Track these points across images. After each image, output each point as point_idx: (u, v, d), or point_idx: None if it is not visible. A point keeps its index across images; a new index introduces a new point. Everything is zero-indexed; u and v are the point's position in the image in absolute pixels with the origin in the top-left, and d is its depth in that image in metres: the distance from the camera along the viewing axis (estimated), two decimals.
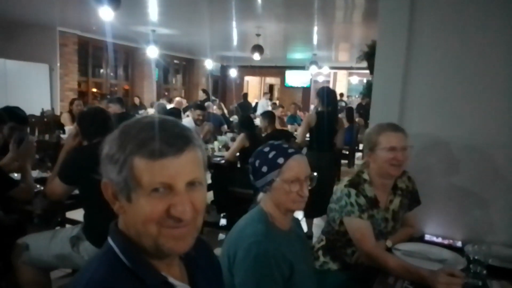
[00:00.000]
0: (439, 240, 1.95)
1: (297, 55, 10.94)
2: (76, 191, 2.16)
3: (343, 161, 6.66)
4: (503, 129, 1.90)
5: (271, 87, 16.06)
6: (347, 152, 6.71)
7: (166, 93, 11.50)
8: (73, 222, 2.98)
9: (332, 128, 3.84)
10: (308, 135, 3.87)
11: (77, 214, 2.51)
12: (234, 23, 6.50)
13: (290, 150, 1.33)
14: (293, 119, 7.80)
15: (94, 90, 9.44)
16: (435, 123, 2.04)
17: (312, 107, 10.54)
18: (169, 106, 7.14)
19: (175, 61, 12.14)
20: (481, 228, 1.94)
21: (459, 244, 1.89)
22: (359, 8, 5.03)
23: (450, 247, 1.85)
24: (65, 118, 5.58)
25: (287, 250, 1.28)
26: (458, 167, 1.98)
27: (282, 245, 1.27)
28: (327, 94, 3.84)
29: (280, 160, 1.30)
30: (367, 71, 4.70)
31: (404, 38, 2.02)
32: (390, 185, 1.81)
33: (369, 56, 3.13)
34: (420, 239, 1.96)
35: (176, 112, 5.15)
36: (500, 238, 1.87)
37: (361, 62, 3.79)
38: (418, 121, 2.06)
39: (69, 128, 4.76)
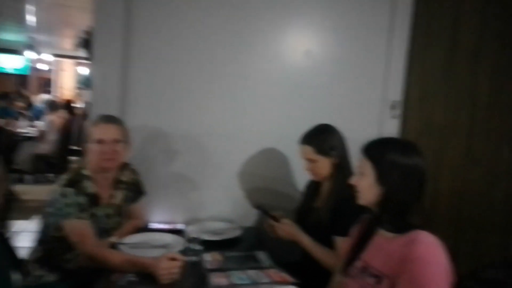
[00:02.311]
0: (164, 226, 2.05)
1: (8, 36, 9.19)
2: None
3: None
4: (215, 119, 2.17)
5: None
6: None
7: None
8: None
9: None
10: None
11: None
12: None
13: None
14: (5, 112, 6.51)
15: None
16: (157, 115, 2.12)
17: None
18: None
19: None
20: (197, 208, 2.17)
21: (181, 226, 2.05)
22: None
23: (173, 230, 1.97)
24: None
25: None
26: (177, 156, 2.14)
27: None
28: None
29: None
30: None
31: (121, 26, 1.99)
32: (110, 179, 1.76)
33: (88, 43, 2.94)
34: (147, 228, 2.02)
35: None
36: (211, 215, 2.15)
37: (79, 49, 3.54)
38: (141, 114, 2.10)
39: None
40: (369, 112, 2.28)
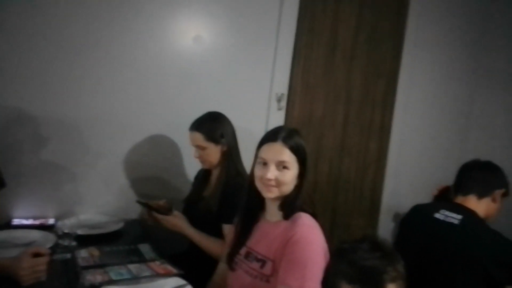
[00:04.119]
0: (30, 221, 1.81)
1: None
2: None
3: None
4: (96, 103, 1.95)
5: None
6: None
7: None
8: None
9: None
10: None
11: None
12: None
13: None
14: None
15: None
16: (22, 95, 1.83)
17: None
18: None
19: None
20: (73, 201, 1.95)
21: (51, 221, 1.84)
22: None
23: (42, 226, 1.77)
24: None
25: None
26: (48, 142, 1.88)
27: None
28: None
29: None
30: None
31: None
32: None
33: None
34: (8, 225, 1.76)
35: None
36: (89, 208, 1.97)
37: None
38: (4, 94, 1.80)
39: None
40: (258, 102, 2.32)
